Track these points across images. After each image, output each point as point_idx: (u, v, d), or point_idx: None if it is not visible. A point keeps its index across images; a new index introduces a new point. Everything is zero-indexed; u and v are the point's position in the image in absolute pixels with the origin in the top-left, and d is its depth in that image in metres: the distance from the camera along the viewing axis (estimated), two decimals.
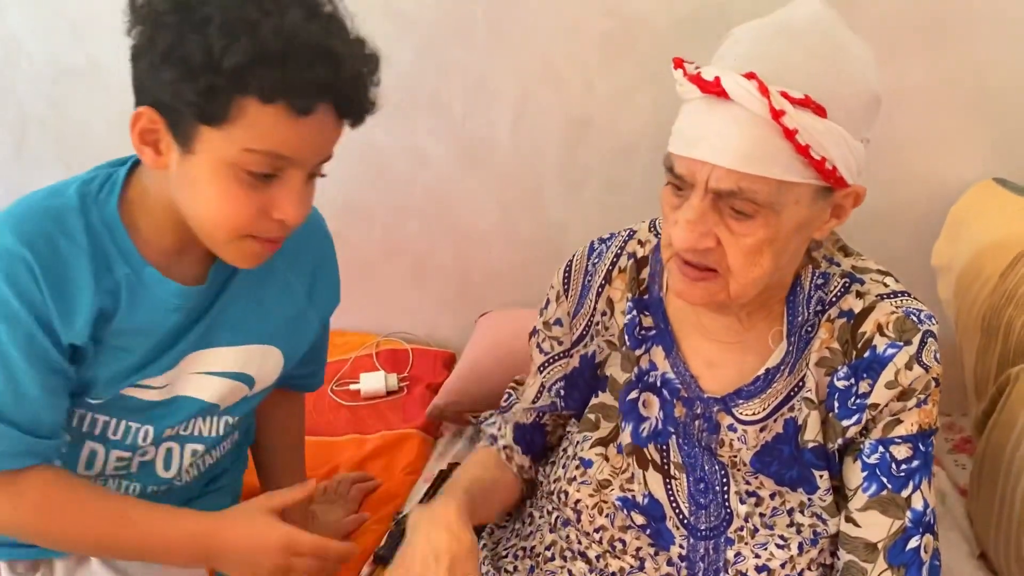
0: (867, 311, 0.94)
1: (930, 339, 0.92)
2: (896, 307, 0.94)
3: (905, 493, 0.92)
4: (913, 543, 0.91)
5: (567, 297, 1.11)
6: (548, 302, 1.13)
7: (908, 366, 0.91)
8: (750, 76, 0.83)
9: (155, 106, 0.85)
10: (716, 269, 0.92)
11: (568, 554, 1.04)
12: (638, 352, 1.05)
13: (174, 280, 0.96)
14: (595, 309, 1.09)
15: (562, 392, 1.12)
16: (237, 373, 1.04)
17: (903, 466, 0.92)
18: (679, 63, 0.89)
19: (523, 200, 1.65)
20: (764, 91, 0.82)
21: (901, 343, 0.91)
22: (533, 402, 1.14)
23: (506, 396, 1.20)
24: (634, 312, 1.06)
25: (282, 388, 1.18)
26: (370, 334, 1.84)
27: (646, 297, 1.06)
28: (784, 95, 0.83)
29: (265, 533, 0.97)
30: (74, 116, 1.82)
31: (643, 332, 1.06)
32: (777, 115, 0.82)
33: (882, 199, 1.47)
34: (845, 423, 0.93)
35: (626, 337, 1.06)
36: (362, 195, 1.72)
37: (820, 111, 0.84)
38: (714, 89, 0.85)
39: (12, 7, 1.78)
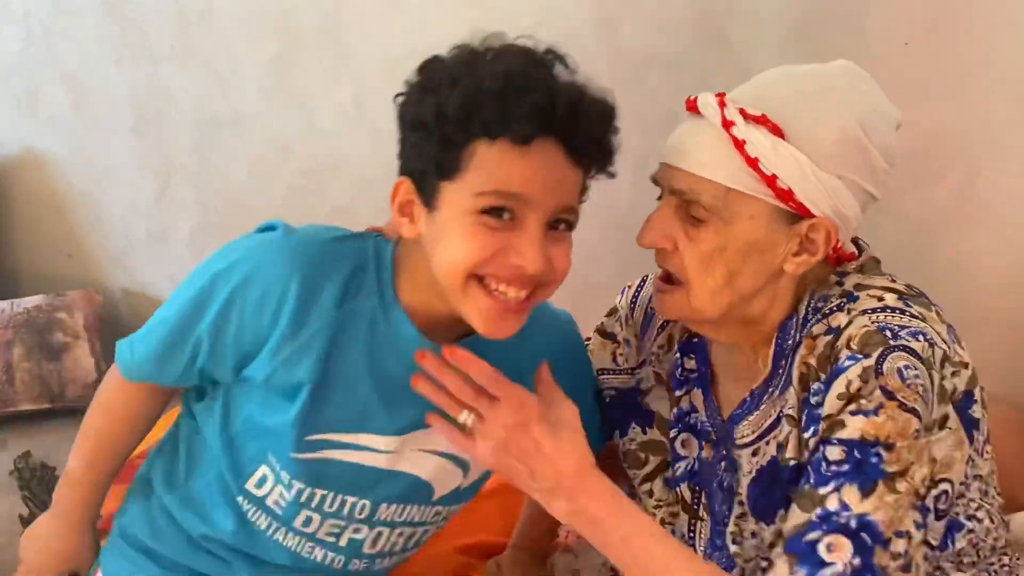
0: (848, 326, 0.90)
1: (897, 353, 0.85)
2: (873, 321, 0.88)
3: (823, 491, 0.86)
4: (811, 536, 0.85)
5: (629, 323, 1.20)
6: (616, 318, 1.22)
7: (862, 378, 0.85)
8: (719, 95, 0.96)
9: (408, 174, 0.93)
10: (680, 281, 1.00)
11: None
12: (678, 393, 1.12)
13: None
14: (655, 341, 1.17)
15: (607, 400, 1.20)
16: (453, 455, 1.04)
17: (832, 467, 0.87)
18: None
19: (641, 254, 1.65)
20: (721, 104, 0.94)
21: (860, 356, 0.85)
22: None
23: None
24: (679, 355, 1.12)
25: None
26: None
27: (695, 340, 1.12)
28: (741, 111, 0.92)
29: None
30: (215, 163, 1.95)
31: (685, 374, 1.13)
32: (727, 124, 0.92)
33: None
34: (806, 435, 0.90)
35: (671, 379, 1.13)
36: None
37: (776, 131, 0.90)
38: (692, 107, 0.99)
39: (165, 62, 1.92)
